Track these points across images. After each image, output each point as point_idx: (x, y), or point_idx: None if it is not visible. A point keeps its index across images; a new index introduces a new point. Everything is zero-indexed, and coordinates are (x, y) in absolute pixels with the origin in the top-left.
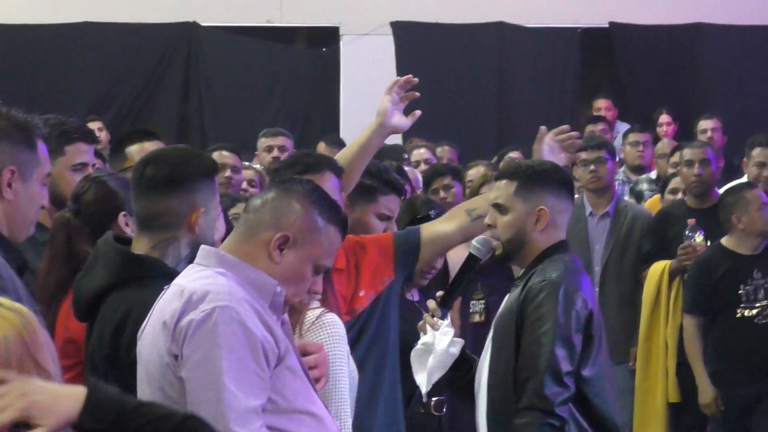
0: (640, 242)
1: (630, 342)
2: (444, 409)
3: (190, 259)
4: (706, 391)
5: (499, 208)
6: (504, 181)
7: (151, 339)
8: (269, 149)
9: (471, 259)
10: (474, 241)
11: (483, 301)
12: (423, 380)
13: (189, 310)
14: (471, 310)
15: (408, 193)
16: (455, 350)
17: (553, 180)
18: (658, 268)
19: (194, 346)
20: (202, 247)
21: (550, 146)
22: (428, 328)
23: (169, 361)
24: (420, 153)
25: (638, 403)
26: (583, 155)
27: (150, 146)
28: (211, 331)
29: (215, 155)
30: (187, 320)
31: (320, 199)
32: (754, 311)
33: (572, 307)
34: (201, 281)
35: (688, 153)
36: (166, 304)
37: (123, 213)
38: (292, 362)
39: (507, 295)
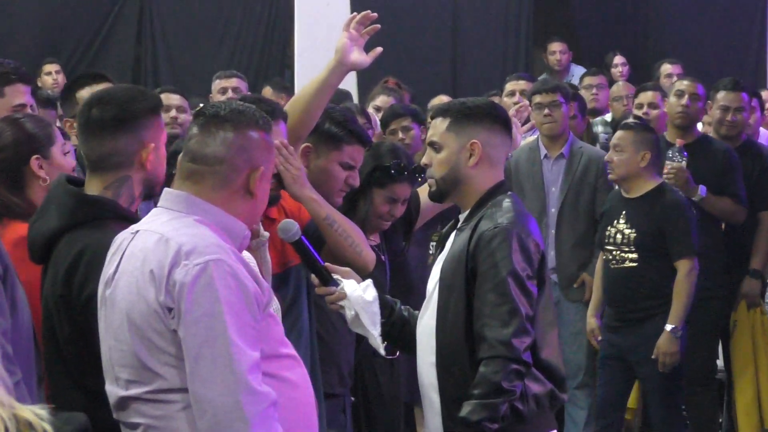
0: (596, 177)
1: (582, 281)
2: (396, 354)
3: (146, 196)
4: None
5: (434, 145)
6: (438, 119)
7: (132, 286)
8: (223, 91)
9: (294, 245)
10: (278, 229)
11: None
12: (374, 342)
13: (179, 261)
14: (430, 252)
15: None
16: (371, 292)
17: (486, 115)
18: None
19: (192, 301)
20: (168, 190)
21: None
22: (339, 302)
23: (160, 312)
24: (384, 100)
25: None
26: (537, 98)
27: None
28: (208, 285)
29: (161, 97)
30: (181, 273)
31: (262, 116)
32: (610, 255)
33: (527, 252)
34: (184, 231)
35: (679, 84)
36: (150, 252)
37: (36, 156)
38: (271, 307)
39: (449, 239)
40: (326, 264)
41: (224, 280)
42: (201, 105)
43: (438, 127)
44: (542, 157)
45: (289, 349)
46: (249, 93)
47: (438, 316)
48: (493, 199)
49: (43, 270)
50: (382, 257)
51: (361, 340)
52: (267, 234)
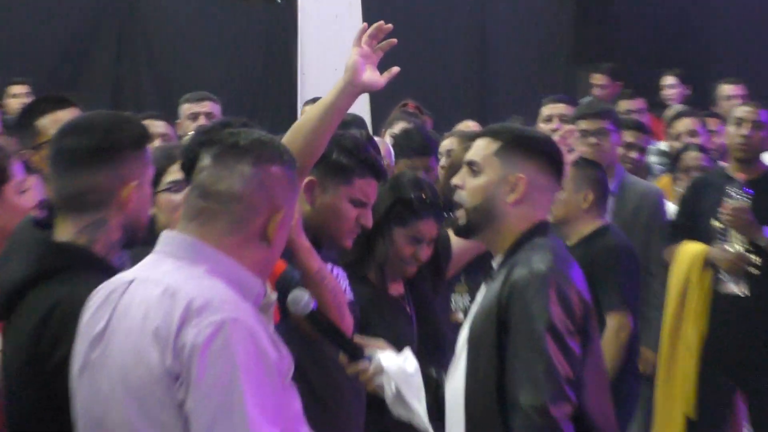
0: (650, 216)
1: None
2: None
3: (126, 243)
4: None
5: (472, 166)
6: (485, 140)
7: (130, 347)
8: (194, 116)
9: (308, 318)
10: (288, 301)
11: (468, 297)
12: (420, 421)
13: (190, 319)
14: (453, 307)
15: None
16: (411, 362)
17: (542, 151)
18: (691, 251)
19: (205, 367)
20: (169, 234)
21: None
22: (377, 380)
23: (165, 380)
24: (404, 127)
25: (659, 415)
26: (583, 125)
27: (65, 115)
28: (224, 349)
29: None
30: (192, 333)
31: (287, 150)
32: None
33: (568, 303)
34: (194, 283)
35: (738, 111)
36: (153, 306)
37: None
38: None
39: (481, 291)
40: (354, 335)
41: (243, 344)
42: (198, 130)
43: (484, 148)
44: None
45: (307, 429)
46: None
47: (467, 381)
48: (530, 242)
49: (4, 329)
50: (408, 309)
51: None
52: (275, 295)
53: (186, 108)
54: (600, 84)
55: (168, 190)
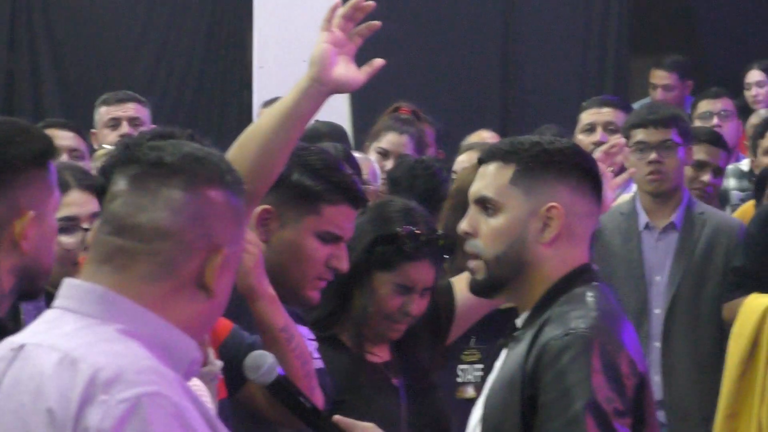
0: (727, 260)
1: (710, 424)
2: None
3: (22, 293)
4: None
5: (486, 204)
6: (493, 165)
7: (11, 428)
8: (114, 123)
9: (270, 388)
10: (246, 365)
11: (480, 366)
12: None
13: (94, 396)
14: (460, 380)
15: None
16: None
17: (572, 166)
18: (760, 304)
19: None
20: (72, 282)
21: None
22: None
23: None
24: (395, 140)
25: None
26: (640, 135)
27: None
28: None
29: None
30: (97, 416)
31: (230, 168)
32: None
33: (614, 375)
34: (101, 348)
35: None
36: (46, 380)
37: None
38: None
39: (501, 355)
40: (333, 415)
41: (166, 427)
42: (120, 144)
43: (495, 177)
44: (641, 228)
45: None
46: (155, 126)
47: None
48: (569, 291)
49: None
50: (394, 382)
51: None
52: (220, 363)
53: (103, 112)
54: (663, 84)
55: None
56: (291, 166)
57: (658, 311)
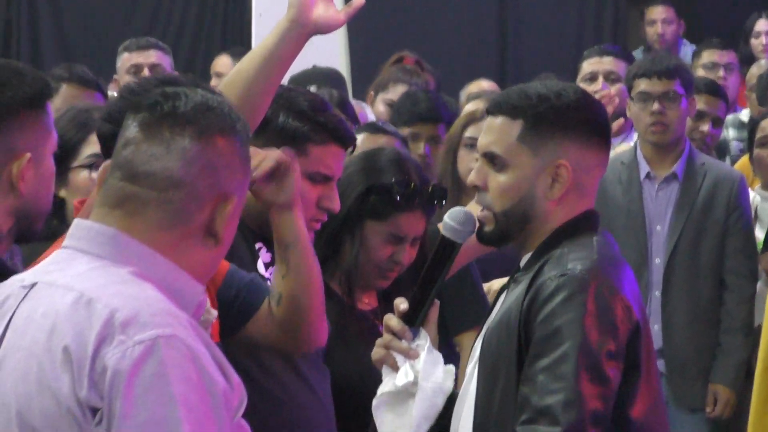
0: (727, 212)
1: (707, 377)
2: None
3: (20, 235)
4: None
5: (494, 160)
6: (500, 119)
7: (30, 370)
8: (135, 70)
9: (445, 245)
10: (447, 217)
11: None
12: None
13: (112, 337)
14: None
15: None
16: (450, 383)
17: (581, 121)
18: None
19: (134, 400)
20: (83, 224)
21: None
22: (400, 359)
23: (78, 415)
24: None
25: None
26: (643, 85)
27: None
28: (157, 376)
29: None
30: (115, 356)
31: (240, 118)
32: None
33: (608, 318)
34: (117, 289)
35: None
36: (62, 319)
37: None
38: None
39: (500, 298)
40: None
41: (182, 370)
42: (125, 89)
43: (502, 132)
44: (642, 178)
45: None
46: (177, 72)
47: (477, 413)
48: (572, 236)
49: None
50: (381, 329)
51: None
52: (215, 312)
53: (125, 59)
54: (662, 18)
55: (86, 166)
56: (277, 109)
57: (658, 261)
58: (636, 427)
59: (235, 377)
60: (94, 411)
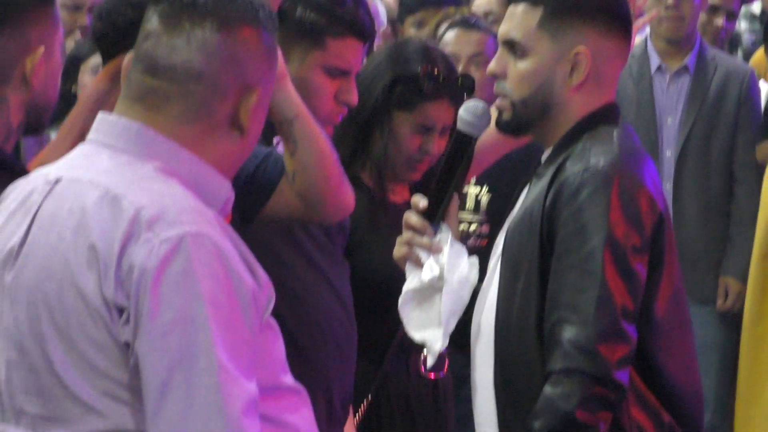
0: (738, 106)
1: (718, 270)
2: (444, 369)
3: (28, 128)
4: None
5: (513, 47)
6: (522, 6)
7: (56, 268)
8: None
9: (461, 139)
10: (462, 111)
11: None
12: (435, 335)
13: (138, 234)
14: (461, 222)
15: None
16: (475, 275)
17: (601, 9)
18: None
19: (161, 298)
20: (106, 118)
21: None
22: (423, 254)
23: (104, 314)
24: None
25: (744, 368)
26: None
27: None
28: (185, 274)
29: None
30: (142, 254)
31: (263, 6)
32: None
33: (634, 211)
34: (143, 185)
35: None
36: (89, 215)
37: None
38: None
39: (522, 194)
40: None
41: (210, 268)
42: None
43: (523, 19)
44: (653, 71)
45: (292, 380)
46: None
47: (499, 310)
48: (593, 130)
49: None
50: None
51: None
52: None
53: None
54: None
55: None
56: (293, 2)
57: (669, 153)
58: (658, 324)
59: (264, 275)
60: (120, 310)
